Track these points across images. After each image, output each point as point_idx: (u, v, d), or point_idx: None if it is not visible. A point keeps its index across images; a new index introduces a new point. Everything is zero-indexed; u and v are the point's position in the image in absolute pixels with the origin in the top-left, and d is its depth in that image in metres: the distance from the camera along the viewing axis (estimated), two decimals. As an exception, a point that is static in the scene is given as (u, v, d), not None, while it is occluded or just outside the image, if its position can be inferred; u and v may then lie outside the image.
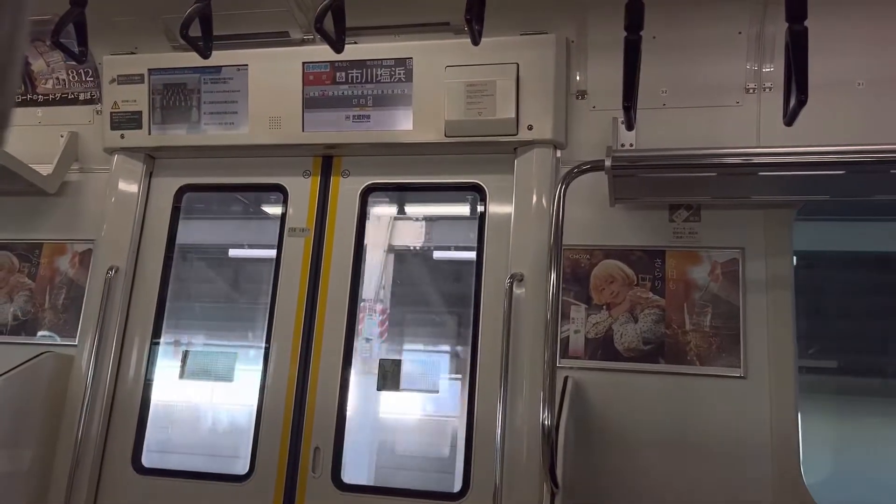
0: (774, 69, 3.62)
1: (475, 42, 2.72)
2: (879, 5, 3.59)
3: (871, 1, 3.59)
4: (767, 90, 3.64)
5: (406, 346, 4.77)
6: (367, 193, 4.12)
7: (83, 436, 3.83)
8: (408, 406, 4.41)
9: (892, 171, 3.12)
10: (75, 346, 4.09)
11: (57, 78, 4.51)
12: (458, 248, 4.85)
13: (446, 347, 4.67)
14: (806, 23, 2.49)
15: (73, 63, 4.22)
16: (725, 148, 3.25)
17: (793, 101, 2.50)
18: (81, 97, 4.51)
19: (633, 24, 2.64)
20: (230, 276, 5.24)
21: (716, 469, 3.36)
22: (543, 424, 2.90)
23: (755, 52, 3.65)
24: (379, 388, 3.97)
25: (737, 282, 3.54)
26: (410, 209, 4.78)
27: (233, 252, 5.25)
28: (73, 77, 4.48)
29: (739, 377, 3.43)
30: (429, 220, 4.96)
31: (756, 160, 3.21)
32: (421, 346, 4.81)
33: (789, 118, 2.60)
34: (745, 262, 3.55)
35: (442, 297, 4.89)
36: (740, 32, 3.65)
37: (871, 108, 3.54)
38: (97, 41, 4.15)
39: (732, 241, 3.59)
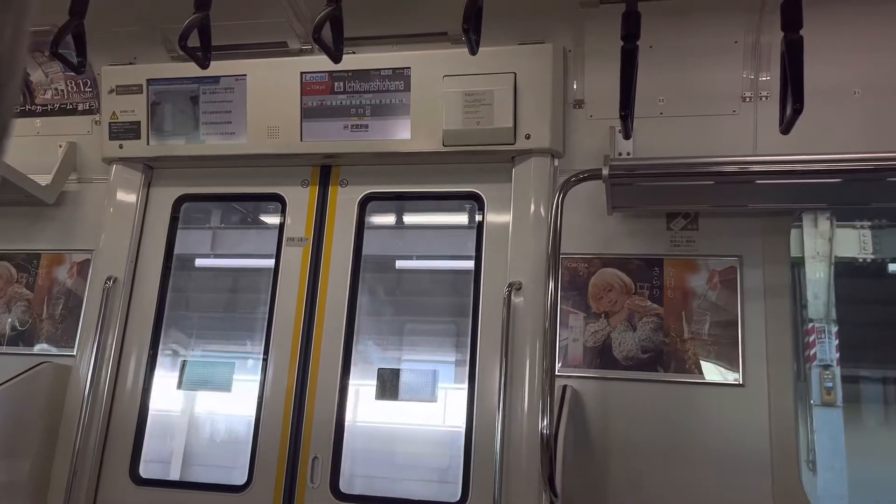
0: (771, 78, 3.63)
1: (472, 52, 2.74)
2: (876, 14, 3.61)
3: (867, 9, 3.61)
4: (764, 99, 3.65)
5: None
6: (366, 203, 4.12)
7: (81, 446, 3.81)
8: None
9: (889, 179, 3.14)
10: (73, 356, 4.09)
11: (55, 88, 4.52)
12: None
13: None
14: (802, 32, 2.51)
15: (72, 73, 4.23)
16: (722, 157, 3.26)
17: (789, 110, 2.52)
18: (80, 107, 4.52)
19: (630, 33, 2.65)
20: (228, 286, 5.23)
21: (715, 478, 3.35)
22: (542, 433, 2.89)
23: (751, 61, 3.67)
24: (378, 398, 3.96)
25: (735, 290, 3.54)
26: (408, 219, 4.80)
27: (233, 262, 5.25)
28: (72, 87, 4.49)
29: (738, 385, 3.43)
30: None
31: (753, 169, 3.23)
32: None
33: (786, 127, 2.61)
34: (743, 270, 3.56)
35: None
36: (736, 42, 3.67)
37: (868, 116, 3.55)
38: (96, 52, 4.14)
39: (730, 250, 3.60)
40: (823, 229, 5.58)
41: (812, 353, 5.54)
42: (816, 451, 5.45)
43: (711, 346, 3.49)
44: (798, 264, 5.65)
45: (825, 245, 5.59)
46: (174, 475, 4.16)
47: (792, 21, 2.45)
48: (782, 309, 3.47)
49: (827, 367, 5.47)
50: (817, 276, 5.57)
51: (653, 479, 3.40)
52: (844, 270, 5.66)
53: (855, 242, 5.71)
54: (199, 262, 5.05)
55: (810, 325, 5.52)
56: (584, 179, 3.29)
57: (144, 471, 3.95)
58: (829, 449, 5.46)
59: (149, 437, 4.04)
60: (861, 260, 5.64)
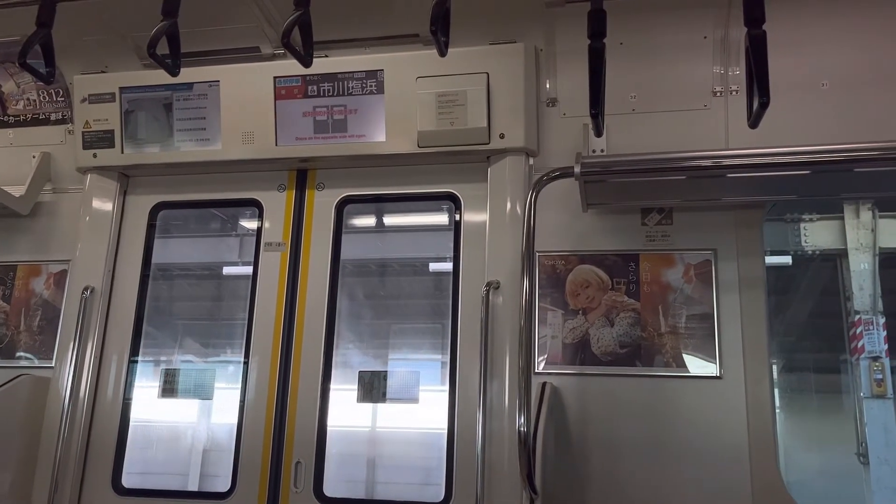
0: (741, 72, 3.67)
1: (442, 53, 2.75)
2: (841, 7, 3.65)
3: (832, 2, 3.65)
4: (734, 93, 3.69)
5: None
6: (343, 205, 4.12)
7: (62, 458, 3.79)
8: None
9: (856, 170, 3.18)
10: (52, 367, 4.06)
11: (28, 99, 4.49)
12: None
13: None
14: (766, 26, 2.54)
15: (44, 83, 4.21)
16: (692, 151, 3.29)
17: (756, 104, 2.55)
18: (53, 117, 4.50)
19: (597, 31, 2.67)
20: (208, 293, 5.22)
21: (695, 470, 3.38)
22: (520, 431, 2.91)
23: (721, 56, 3.70)
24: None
25: (710, 283, 3.57)
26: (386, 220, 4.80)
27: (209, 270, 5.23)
28: (44, 97, 4.46)
29: (716, 377, 3.46)
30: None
31: (724, 162, 3.26)
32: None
33: (753, 121, 2.64)
34: (718, 263, 3.59)
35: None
36: (706, 37, 3.70)
37: (836, 108, 3.59)
38: (67, 61, 4.16)
39: (704, 243, 3.63)
40: (866, 220, 5.57)
41: (860, 344, 5.56)
42: (868, 444, 5.47)
43: (688, 340, 3.52)
44: (840, 256, 5.66)
45: (868, 236, 5.58)
46: (157, 484, 4.14)
47: (754, 16, 2.48)
48: (756, 300, 3.50)
49: (876, 358, 5.48)
50: (861, 268, 5.56)
51: (633, 473, 3.42)
52: (887, 261, 5.65)
53: (897, 233, 5.72)
54: (178, 270, 5.03)
55: (857, 317, 5.52)
56: (557, 178, 3.31)
57: (127, 481, 3.93)
58: (881, 441, 5.47)
59: (130, 446, 4.02)
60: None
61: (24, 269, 4.36)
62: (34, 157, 4.44)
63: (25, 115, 4.53)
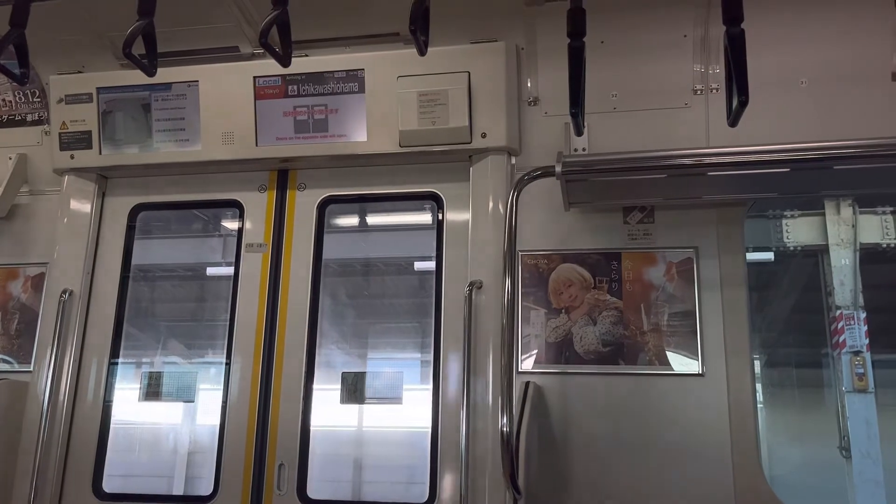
0: (721, 70, 3.68)
1: (421, 52, 2.74)
2: (819, 5, 3.67)
3: (811, 1, 3.67)
4: (714, 91, 3.70)
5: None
6: (325, 206, 4.10)
7: (41, 463, 3.75)
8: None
9: (836, 168, 3.20)
10: (30, 371, 4.01)
11: (3, 99, 4.43)
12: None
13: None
14: (745, 25, 2.54)
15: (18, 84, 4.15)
16: (673, 150, 3.30)
17: (735, 103, 2.55)
18: (29, 118, 4.44)
19: (576, 30, 2.66)
20: (190, 295, 5.18)
21: (678, 467, 3.39)
22: (502, 431, 2.91)
23: (701, 55, 3.71)
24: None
25: (692, 281, 3.58)
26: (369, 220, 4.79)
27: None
28: (20, 98, 4.41)
29: (698, 375, 3.47)
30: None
31: (705, 161, 3.27)
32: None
33: (733, 119, 2.65)
34: (699, 260, 3.60)
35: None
36: (686, 35, 3.71)
37: (815, 105, 3.61)
38: (42, 61, 4.11)
39: (686, 241, 3.64)
40: (846, 216, 5.60)
41: (841, 339, 5.59)
42: (850, 438, 5.50)
43: (671, 338, 3.52)
44: (822, 252, 5.69)
45: (849, 232, 5.61)
46: (139, 488, 4.10)
47: (733, 15, 2.48)
48: (738, 297, 3.51)
49: (857, 353, 5.50)
50: (842, 263, 5.59)
51: (616, 471, 3.42)
52: (867, 256, 5.69)
53: (877, 228, 5.76)
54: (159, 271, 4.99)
55: (838, 312, 5.54)
56: (538, 177, 3.31)
57: (108, 485, 3.89)
58: (863, 435, 5.50)
59: (112, 450, 3.98)
60: (885, 245, 5.65)
61: (0, 272, 4.30)
62: (10, 158, 4.37)
63: (1, 117, 4.47)
